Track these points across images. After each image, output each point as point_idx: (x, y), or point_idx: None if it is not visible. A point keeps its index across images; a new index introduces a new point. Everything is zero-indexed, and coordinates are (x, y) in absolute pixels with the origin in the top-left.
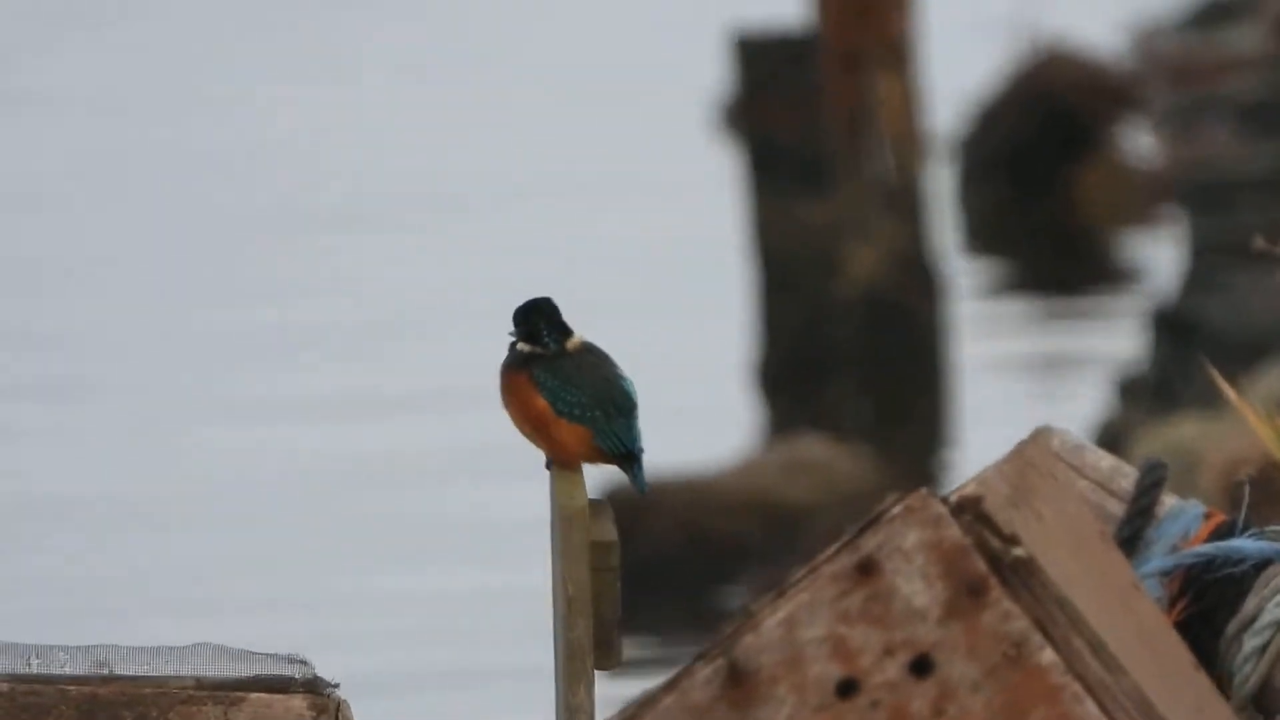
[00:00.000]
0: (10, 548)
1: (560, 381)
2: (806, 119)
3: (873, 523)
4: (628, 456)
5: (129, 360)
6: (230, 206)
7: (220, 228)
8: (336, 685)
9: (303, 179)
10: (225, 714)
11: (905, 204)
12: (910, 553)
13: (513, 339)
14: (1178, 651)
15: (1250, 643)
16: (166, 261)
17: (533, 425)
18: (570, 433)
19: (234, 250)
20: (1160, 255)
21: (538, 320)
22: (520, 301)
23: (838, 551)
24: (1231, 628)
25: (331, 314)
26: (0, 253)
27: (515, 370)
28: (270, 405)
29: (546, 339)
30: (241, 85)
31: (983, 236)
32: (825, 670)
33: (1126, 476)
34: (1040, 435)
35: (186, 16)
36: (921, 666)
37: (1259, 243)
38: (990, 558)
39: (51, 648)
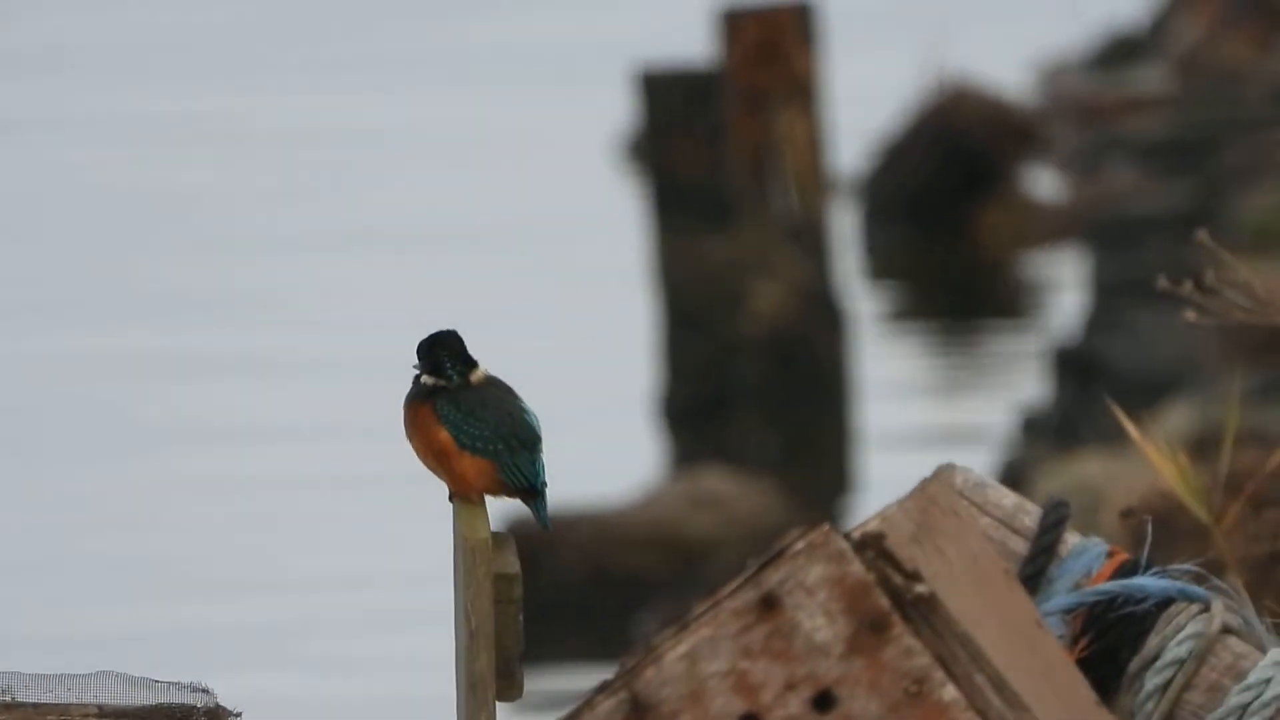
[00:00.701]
0: None
1: (463, 414)
2: (711, 156)
3: (775, 558)
4: (530, 491)
5: None
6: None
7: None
8: (239, 714)
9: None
10: None
11: (810, 240)
12: (813, 588)
13: (416, 371)
14: (1080, 689)
15: (1152, 681)
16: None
17: (435, 458)
18: (473, 466)
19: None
20: (1064, 293)
21: (441, 353)
22: (423, 335)
23: (740, 586)
24: (1134, 665)
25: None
26: None
27: (419, 402)
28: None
29: (450, 371)
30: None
31: (887, 273)
32: (728, 704)
33: (1029, 514)
34: (943, 472)
35: None
36: (824, 702)
37: (1162, 282)
38: (893, 594)
39: None
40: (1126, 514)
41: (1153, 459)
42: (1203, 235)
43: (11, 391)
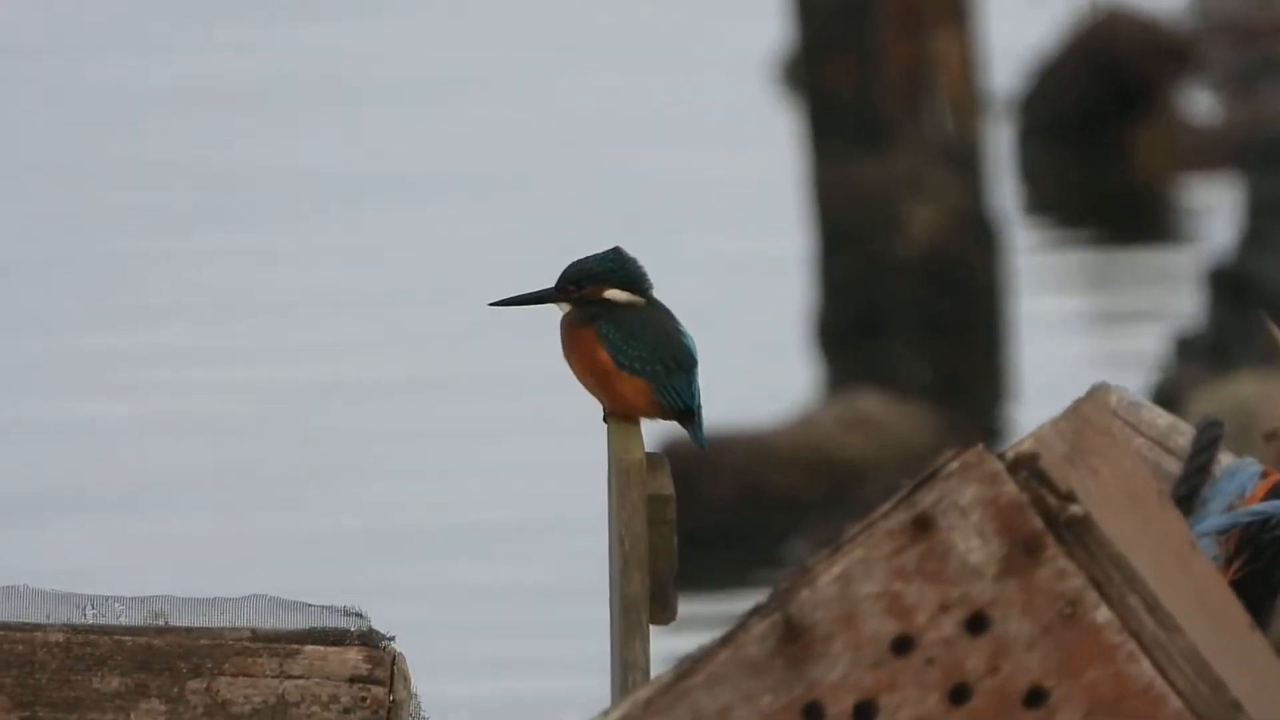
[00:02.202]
0: None
1: (623, 335)
2: (865, 77)
3: (929, 479)
4: (687, 412)
5: None
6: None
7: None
8: (392, 638)
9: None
10: (280, 666)
11: (964, 163)
12: (966, 509)
13: (575, 291)
14: (1234, 610)
15: None
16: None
17: (595, 378)
18: (631, 386)
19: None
20: (1218, 214)
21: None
22: (585, 255)
23: (894, 507)
24: None
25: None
26: None
27: (580, 324)
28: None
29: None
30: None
31: (1042, 195)
32: (880, 627)
33: (1183, 434)
34: (1097, 393)
35: None
36: (977, 624)
37: None
38: (1046, 515)
39: (107, 598)
40: (1269, 436)
41: None
42: None
43: None
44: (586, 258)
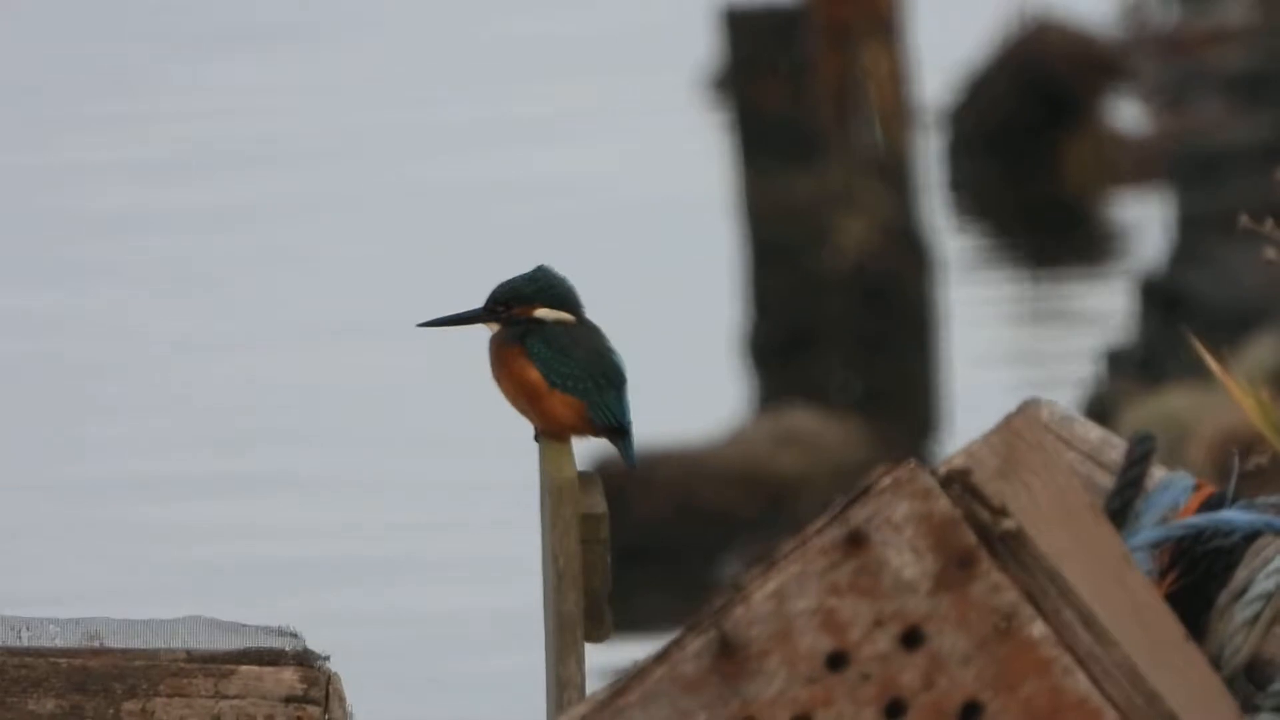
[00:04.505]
0: None
1: (554, 353)
2: (795, 91)
3: (862, 495)
4: (619, 430)
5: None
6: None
7: None
8: (327, 658)
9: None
10: (216, 686)
11: (894, 175)
12: (900, 525)
13: (499, 309)
14: (1168, 624)
15: (1241, 614)
16: None
17: (526, 397)
18: (563, 404)
19: None
20: (1148, 227)
21: (534, 290)
22: (509, 275)
23: (827, 523)
24: (1222, 599)
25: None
26: None
27: (508, 343)
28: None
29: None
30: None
31: (971, 207)
32: (815, 643)
33: (1115, 448)
34: (1028, 407)
35: None
36: (911, 639)
37: (1244, 222)
38: (979, 530)
39: (42, 620)
40: (1256, 469)
41: (1234, 393)
42: None
43: None
44: (514, 277)
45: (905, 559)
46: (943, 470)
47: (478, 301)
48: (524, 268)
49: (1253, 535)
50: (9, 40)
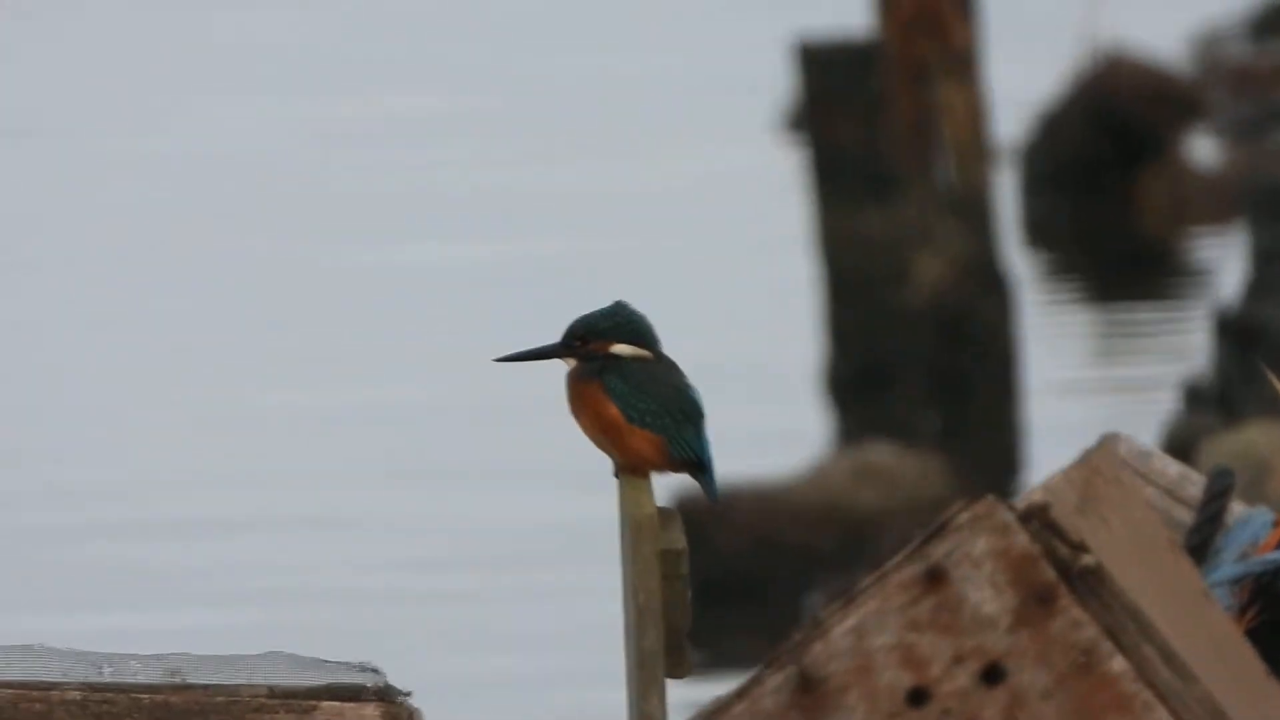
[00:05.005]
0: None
1: (632, 389)
2: (871, 127)
3: (941, 530)
4: (698, 464)
5: None
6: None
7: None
8: (409, 694)
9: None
10: None
11: (970, 212)
12: (979, 560)
13: (576, 344)
14: (1248, 659)
15: None
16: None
17: (605, 432)
18: (643, 440)
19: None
20: (1224, 261)
21: (613, 326)
22: (591, 310)
23: (906, 559)
24: None
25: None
26: None
27: (586, 379)
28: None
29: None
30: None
31: (1047, 244)
32: (895, 678)
33: (1194, 484)
34: (1107, 442)
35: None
36: (992, 675)
37: None
38: (1059, 565)
39: (124, 656)
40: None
41: None
42: None
43: None
44: (591, 312)
45: (984, 594)
46: (1021, 506)
47: (554, 337)
48: (602, 303)
49: None
50: None
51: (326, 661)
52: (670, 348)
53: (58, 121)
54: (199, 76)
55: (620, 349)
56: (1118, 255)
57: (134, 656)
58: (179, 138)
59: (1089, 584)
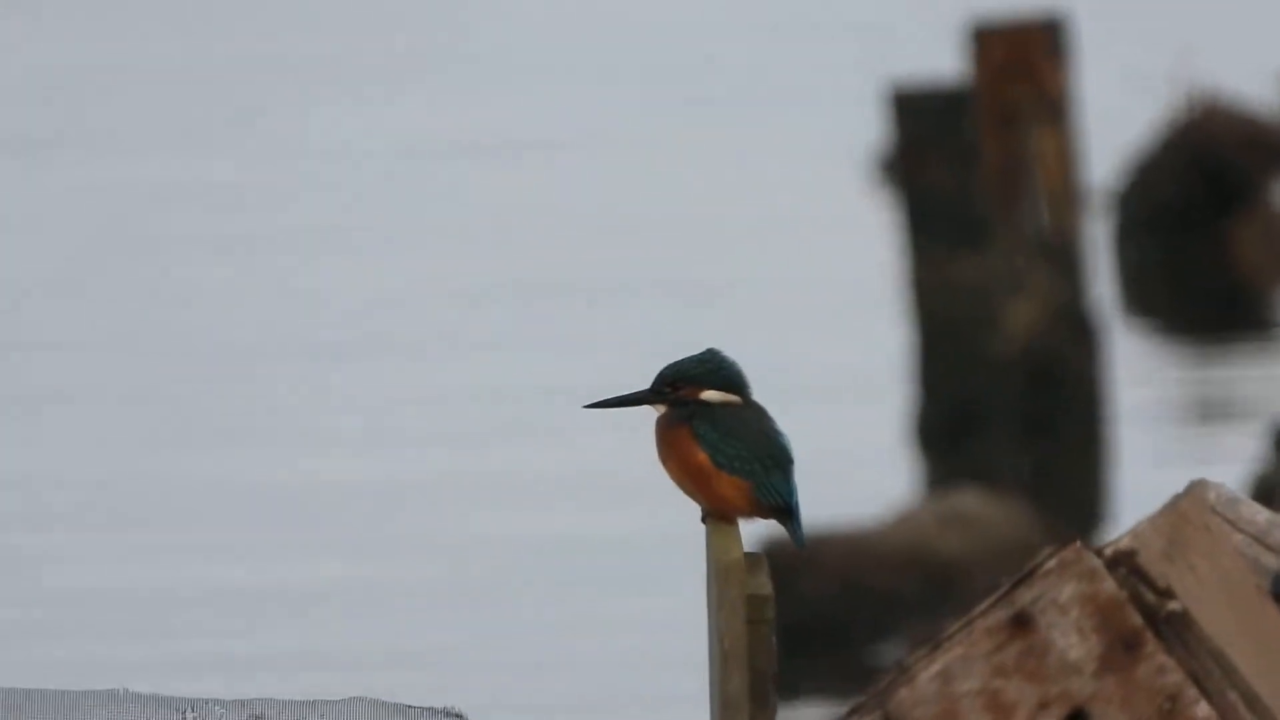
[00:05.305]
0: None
1: (721, 435)
2: (963, 173)
3: (1028, 576)
4: (786, 510)
5: None
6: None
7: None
8: None
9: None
10: None
11: (1062, 259)
12: (1065, 606)
13: (667, 392)
14: None
15: None
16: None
17: (693, 479)
18: (731, 485)
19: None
20: None
21: (705, 373)
22: (680, 356)
23: (993, 605)
24: None
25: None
26: None
27: (675, 425)
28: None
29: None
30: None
31: (1140, 291)
32: None
33: None
34: (1195, 489)
35: None
36: None
37: None
38: (1145, 611)
39: (207, 701)
40: None
41: None
42: None
43: None
44: (683, 359)
45: (1071, 640)
46: (1109, 552)
47: (645, 384)
48: (693, 350)
49: None
50: None
51: (410, 707)
52: (761, 393)
53: None
54: None
55: (710, 395)
56: (1209, 300)
57: (218, 702)
58: None
59: (1175, 630)
